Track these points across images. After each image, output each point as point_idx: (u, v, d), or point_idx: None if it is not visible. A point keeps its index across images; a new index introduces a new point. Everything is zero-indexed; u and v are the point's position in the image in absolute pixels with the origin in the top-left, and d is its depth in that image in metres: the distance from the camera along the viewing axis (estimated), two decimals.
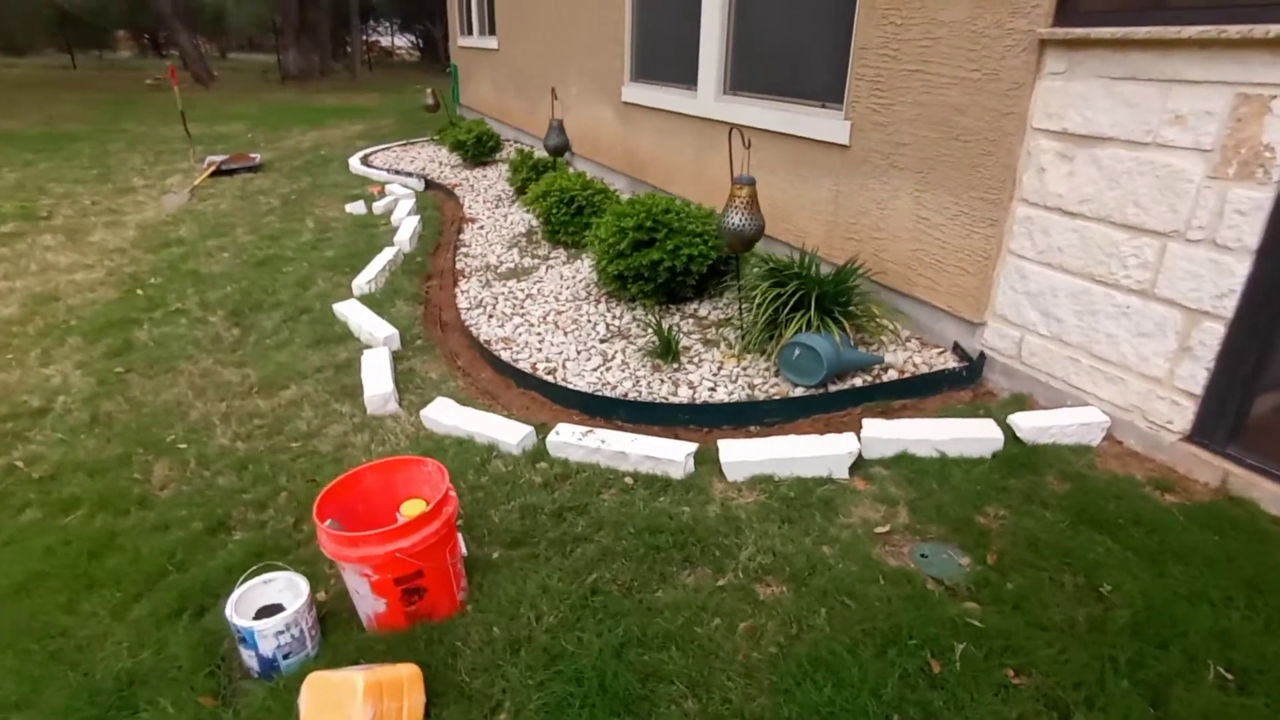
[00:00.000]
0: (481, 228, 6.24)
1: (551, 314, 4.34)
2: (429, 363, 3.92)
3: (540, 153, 7.35)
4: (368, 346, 4.02)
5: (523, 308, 4.48)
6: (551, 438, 2.99)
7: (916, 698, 1.84)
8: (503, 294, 4.72)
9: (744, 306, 3.72)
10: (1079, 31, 2.69)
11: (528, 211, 6.41)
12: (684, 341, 3.83)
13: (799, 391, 3.26)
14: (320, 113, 15.18)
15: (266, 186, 8.07)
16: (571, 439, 2.95)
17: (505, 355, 3.85)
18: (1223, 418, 2.51)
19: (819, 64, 4.17)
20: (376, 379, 3.51)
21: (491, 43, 10.47)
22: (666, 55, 5.82)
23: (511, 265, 5.26)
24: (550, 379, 3.58)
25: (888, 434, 2.83)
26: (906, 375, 3.31)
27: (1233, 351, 2.45)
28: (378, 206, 6.93)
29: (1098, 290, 2.82)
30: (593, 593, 2.24)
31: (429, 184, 7.96)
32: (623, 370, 3.60)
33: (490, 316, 4.38)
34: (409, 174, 8.17)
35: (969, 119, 3.20)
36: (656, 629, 2.10)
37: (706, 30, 5.05)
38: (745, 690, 1.91)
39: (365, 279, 4.89)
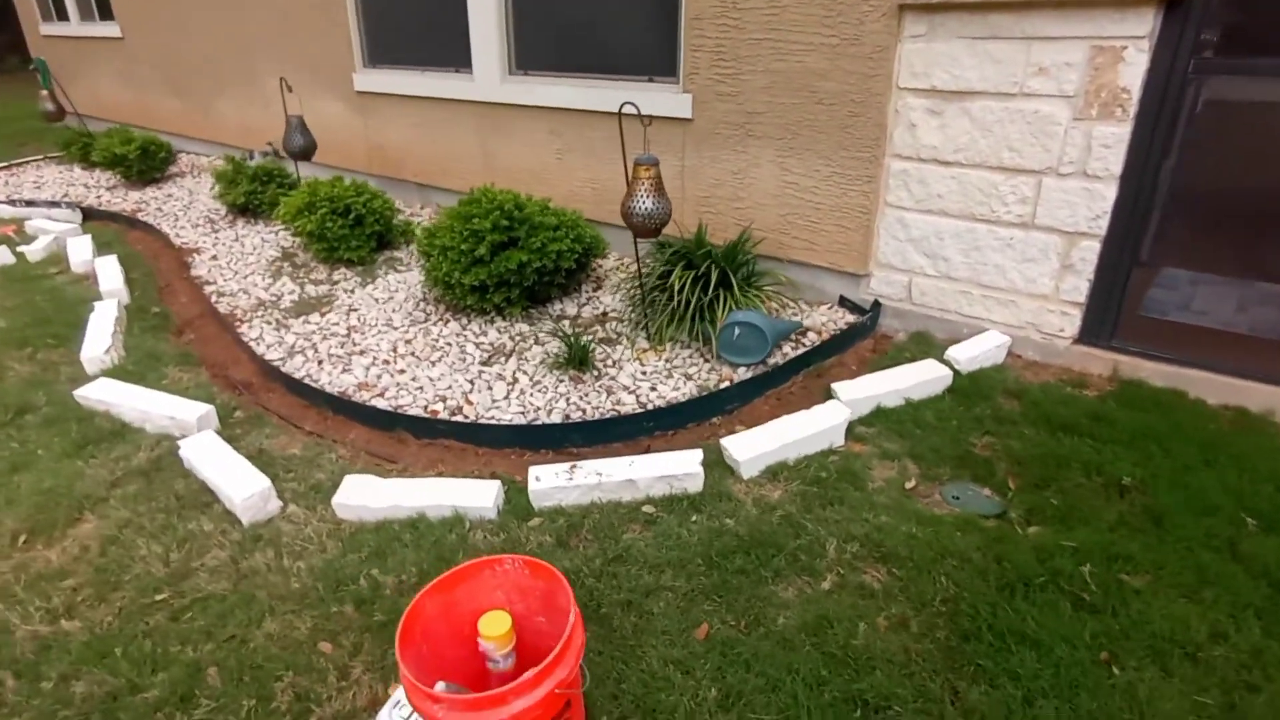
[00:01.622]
0: (214, 258, 4.97)
1: (399, 344, 3.63)
2: (275, 437, 3.02)
3: (255, 160, 6.07)
4: (171, 436, 2.96)
5: (356, 344, 3.67)
6: (533, 485, 2.51)
7: (1103, 627, 1.91)
8: (313, 332, 3.81)
9: (649, 296, 3.49)
10: None
11: (283, 230, 5.28)
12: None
13: (743, 372, 3.18)
14: None
15: None
16: (559, 481, 2.50)
17: (382, 404, 3.13)
18: (1105, 319, 3.03)
19: (638, 37, 4.02)
20: (232, 476, 2.59)
21: (108, 29, 8.31)
22: (417, 36, 5.15)
23: (296, 297, 4.28)
24: (461, 419, 3.00)
25: (861, 393, 2.89)
26: (825, 336, 3.41)
27: (1108, 263, 2.95)
28: (33, 250, 5.11)
29: (981, 228, 3.19)
30: (720, 650, 1.93)
31: (89, 214, 6.10)
32: (541, 392, 3.16)
33: (320, 362, 3.51)
34: (53, 203, 6.16)
35: (832, 83, 3.35)
36: (812, 657, 1.89)
37: (477, 7, 4.56)
38: (951, 682, 1.81)
39: (98, 349, 3.57)
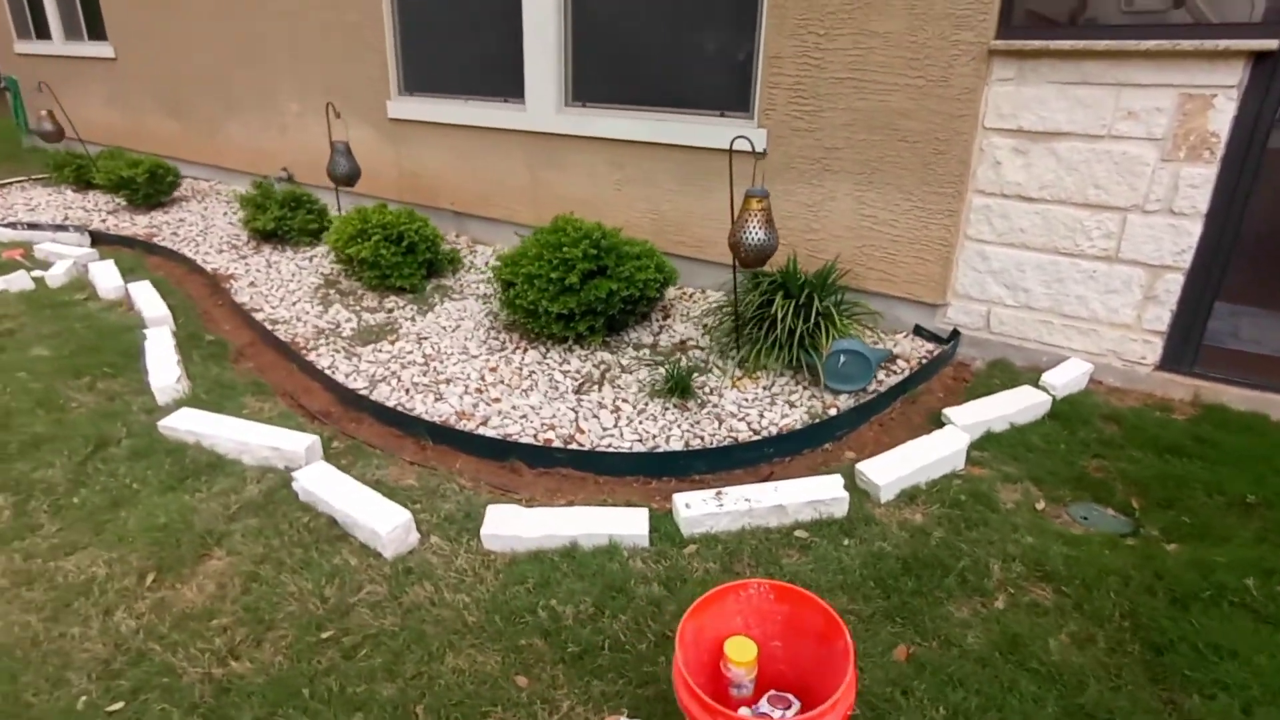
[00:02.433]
0: (252, 284, 4.83)
1: (485, 373, 3.59)
2: (384, 468, 2.94)
3: (283, 186, 5.93)
4: (274, 467, 2.86)
5: (439, 372, 3.61)
6: (684, 512, 2.51)
7: None
8: (389, 361, 3.74)
9: (743, 324, 3.54)
10: (1032, 43, 3.13)
11: (317, 255, 5.19)
12: (658, 372, 3.50)
13: (845, 399, 3.25)
14: None
15: None
16: (709, 507, 2.51)
17: (489, 433, 3.09)
18: (1186, 347, 3.21)
19: (709, 74, 4.13)
20: (366, 508, 2.51)
21: (98, 50, 8.06)
22: (462, 66, 5.17)
23: (355, 325, 4.19)
24: (576, 447, 2.98)
25: (972, 418, 2.99)
26: (913, 365, 3.52)
27: (1191, 295, 3.14)
28: (53, 276, 4.87)
29: (1064, 261, 3.36)
30: (929, 671, 1.97)
31: (97, 238, 5.86)
32: (652, 419, 3.17)
33: (408, 391, 3.45)
34: (59, 226, 5.89)
35: (916, 122, 3.50)
36: (1019, 675, 1.94)
37: (535, 42, 4.61)
38: (1163, 694, 1.88)
39: (168, 378, 3.43)
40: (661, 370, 3.51)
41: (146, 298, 4.37)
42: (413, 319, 4.26)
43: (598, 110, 4.61)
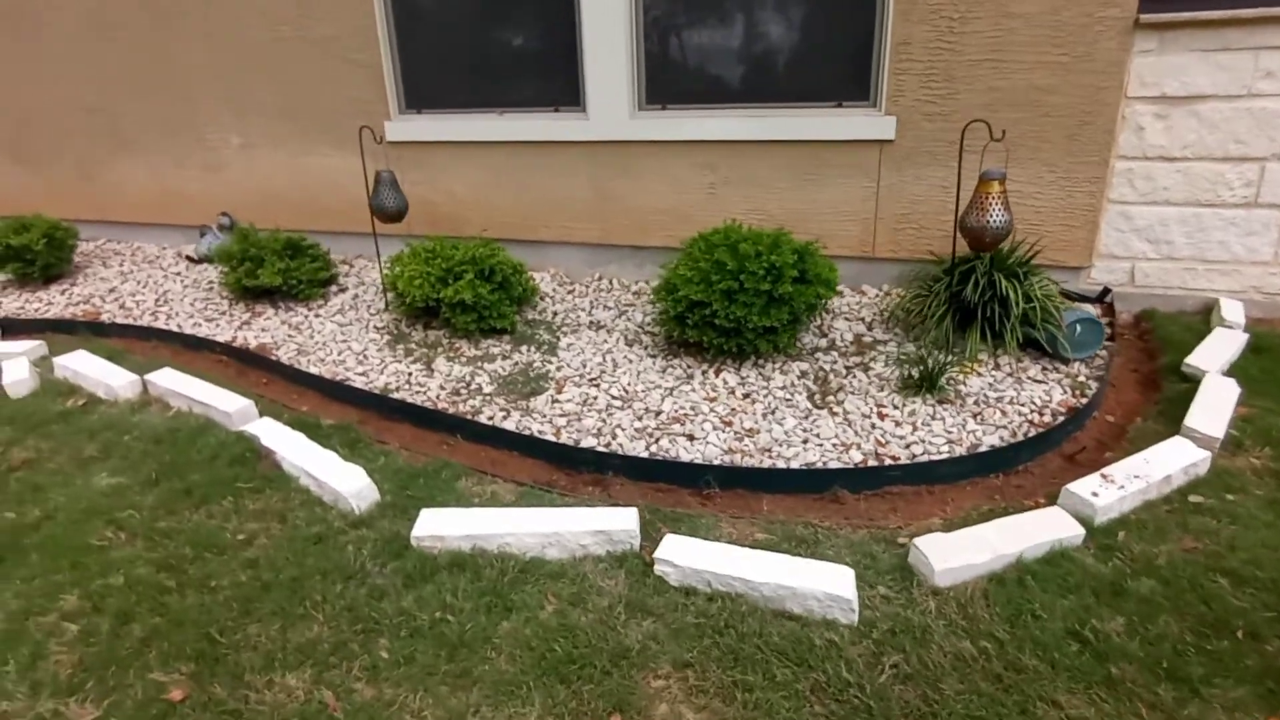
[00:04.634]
0: (300, 350, 3.99)
1: (702, 406, 3.25)
2: (713, 528, 2.55)
3: (209, 238, 4.92)
4: (608, 554, 2.38)
5: (651, 410, 3.21)
6: (1095, 500, 2.42)
7: None
8: (578, 409, 3.27)
9: (941, 310, 3.49)
10: (1180, 15, 3.40)
11: (361, 305, 4.40)
12: (873, 372, 3.40)
13: (1079, 366, 3.34)
14: None
15: None
16: (1112, 492, 2.46)
17: (797, 465, 2.79)
18: None
19: (823, 65, 4.02)
20: (797, 578, 2.16)
21: None
22: (492, 75, 4.62)
23: (488, 378, 3.60)
24: (891, 461, 2.79)
25: (1213, 362, 3.20)
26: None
27: None
28: (13, 385, 3.66)
29: (1205, 211, 3.70)
30: None
31: (5, 328, 4.53)
32: (937, 420, 3.03)
33: (653, 437, 3.02)
34: None
35: (1060, 97, 3.66)
36: None
37: (598, 43, 4.23)
38: None
39: (354, 481, 2.73)
40: (881, 368, 3.39)
41: (199, 389, 3.43)
42: (546, 359, 3.75)
43: (683, 111, 4.33)
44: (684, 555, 2.27)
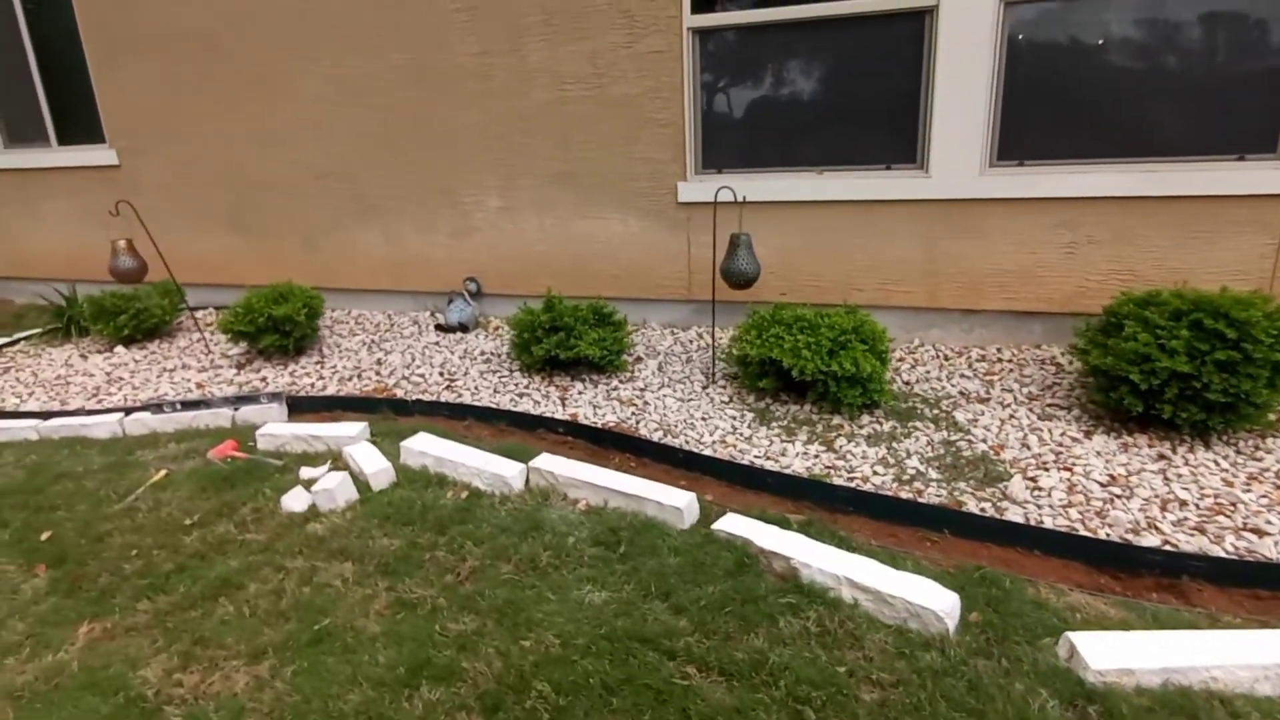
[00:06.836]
0: (663, 428, 3.58)
1: (1226, 490, 2.83)
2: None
3: (458, 306, 4.57)
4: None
5: (1195, 507, 2.79)
6: None
7: None
8: (1075, 485, 2.85)
9: None
10: None
11: (692, 379, 4.02)
12: None
13: None
14: None
15: None
16: None
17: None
18: None
19: (1229, 114, 3.71)
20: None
21: (91, 156, 6.00)
22: (808, 133, 4.36)
23: (904, 457, 3.20)
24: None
25: None
26: None
27: None
28: (371, 476, 3.24)
29: None
30: None
31: (293, 405, 4.13)
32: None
33: (1207, 530, 2.60)
34: (241, 399, 4.05)
35: None
36: None
37: (951, 97, 3.97)
38: None
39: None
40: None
41: (617, 480, 2.99)
42: (956, 435, 3.35)
43: (1041, 167, 4.03)
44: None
